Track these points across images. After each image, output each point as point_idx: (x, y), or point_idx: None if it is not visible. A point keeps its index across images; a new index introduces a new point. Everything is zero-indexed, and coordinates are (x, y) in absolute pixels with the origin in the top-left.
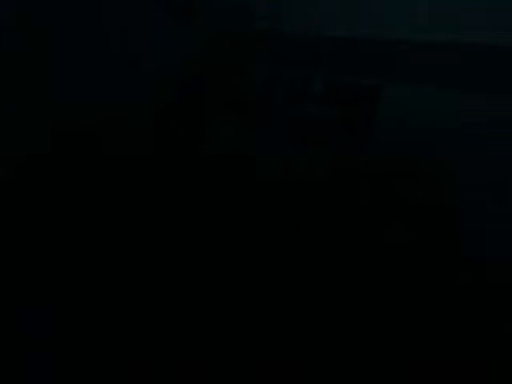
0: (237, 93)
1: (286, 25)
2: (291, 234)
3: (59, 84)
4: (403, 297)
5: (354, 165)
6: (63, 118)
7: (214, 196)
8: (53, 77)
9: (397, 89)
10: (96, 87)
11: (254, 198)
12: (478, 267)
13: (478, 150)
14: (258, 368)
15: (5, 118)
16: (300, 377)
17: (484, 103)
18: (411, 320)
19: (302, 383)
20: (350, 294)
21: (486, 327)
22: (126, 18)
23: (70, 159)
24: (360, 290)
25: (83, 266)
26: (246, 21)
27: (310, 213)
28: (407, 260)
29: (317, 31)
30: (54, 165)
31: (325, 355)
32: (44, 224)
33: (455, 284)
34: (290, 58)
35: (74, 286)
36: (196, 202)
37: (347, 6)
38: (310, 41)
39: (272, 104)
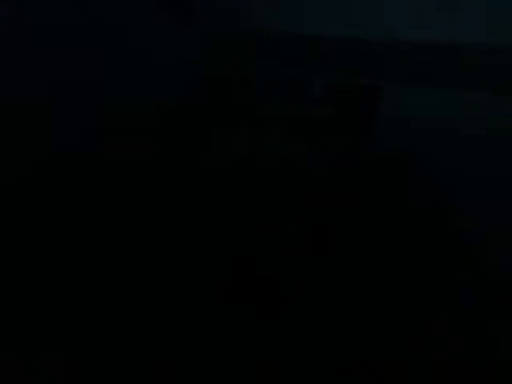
0: (237, 94)
1: (286, 25)
2: (291, 236)
3: (62, 84)
4: (403, 297)
5: (354, 165)
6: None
7: (214, 199)
8: (54, 77)
9: (397, 89)
10: (95, 89)
11: (254, 199)
12: (478, 267)
13: (479, 149)
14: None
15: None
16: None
17: (485, 103)
18: (411, 320)
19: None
20: (350, 295)
21: (486, 327)
22: (126, 19)
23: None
24: (360, 290)
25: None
26: (246, 21)
27: (310, 214)
28: (407, 260)
29: (317, 31)
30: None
31: (324, 355)
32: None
33: (455, 284)
34: (290, 57)
35: (69, 283)
36: (197, 205)
37: (347, 6)
38: (310, 41)
39: (272, 104)
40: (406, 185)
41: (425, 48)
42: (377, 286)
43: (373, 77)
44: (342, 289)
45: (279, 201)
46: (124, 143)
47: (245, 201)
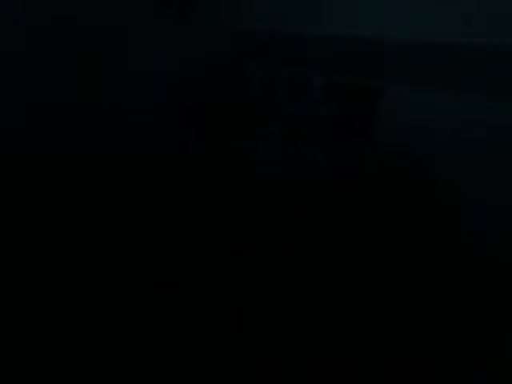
0: (238, 94)
1: (286, 25)
2: (291, 237)
3: (59, 84)
4: (404, 296)
5: (354, 166)
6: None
7: (215, 201)
8: (53, 77)
9: (397, 89)
10: (95, 88)
11: (254, 200)
12: (478, 267)
13: (479, 149)
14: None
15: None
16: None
17: (485, 103)
18: (411, 319)
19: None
20: (351, 294)
21: (486, 327)
22: (124, 17)
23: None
24: (361, 289)
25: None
26: (246, 20)
27: (311, 215)
28: (408, 260)
29: (317, 31)
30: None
31: (326, 356)
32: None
33: (455, 284)
34: (290, 57)
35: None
36: (197, 206)
37: (347, 6)
38: (310, 41)
39: (272, 105)
40: (407, 185)
41: (425, 48)
42: (377, 287)
43: (373, 77)
44: (342, 289)
45: (279, 201)
46: (123, 144)
47: (244, 201)
